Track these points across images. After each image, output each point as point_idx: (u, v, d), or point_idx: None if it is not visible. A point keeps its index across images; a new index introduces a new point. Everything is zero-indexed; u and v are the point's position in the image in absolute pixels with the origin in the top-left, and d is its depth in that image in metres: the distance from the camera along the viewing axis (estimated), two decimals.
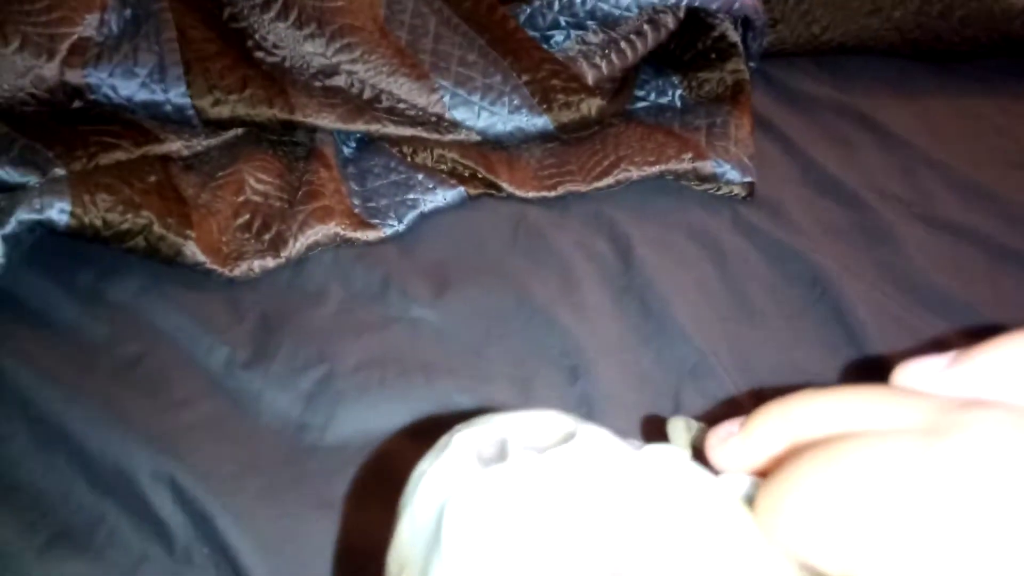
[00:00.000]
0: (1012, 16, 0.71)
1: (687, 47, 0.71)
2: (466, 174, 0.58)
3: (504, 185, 0.58)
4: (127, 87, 0.55)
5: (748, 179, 0.59)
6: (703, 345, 0.47)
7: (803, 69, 0.72)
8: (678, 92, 0.69)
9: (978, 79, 0.71)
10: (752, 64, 0.72)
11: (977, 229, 0.56)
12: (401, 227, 0.54)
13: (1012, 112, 0.68)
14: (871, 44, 0.71)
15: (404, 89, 0.61)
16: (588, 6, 0.67)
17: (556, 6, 0.66)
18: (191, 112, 0.56)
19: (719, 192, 0.59)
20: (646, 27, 0.68)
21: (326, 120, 0.59)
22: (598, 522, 0.15)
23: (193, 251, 0.48)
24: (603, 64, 0.66)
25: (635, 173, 0.60)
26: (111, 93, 0.55)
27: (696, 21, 0.68)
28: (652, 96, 0.70)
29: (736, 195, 0.59)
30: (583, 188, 0.59)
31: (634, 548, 0.15)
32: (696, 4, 0.65)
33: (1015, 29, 0.71)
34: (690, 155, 0.59)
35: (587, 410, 0.43)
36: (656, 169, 0.59)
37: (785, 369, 0.47)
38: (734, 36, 0.67)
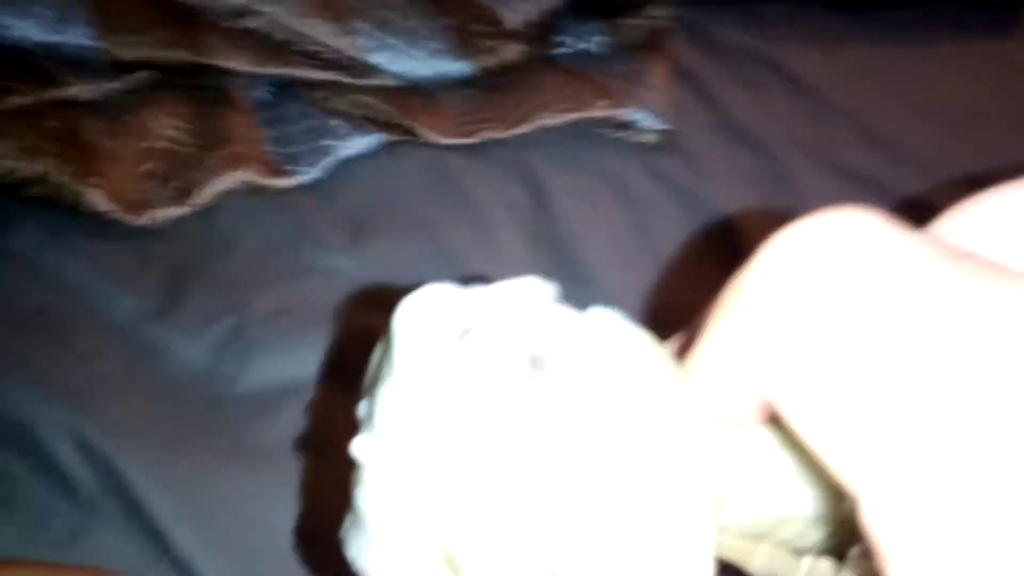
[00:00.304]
0: None
1: None
2: (383, 120, 0.58)
3: (422, 131, 0.58)
4: (23, 27, 0.53)
5: (663, 127, 0.60)
6: (610, 288, 0.48)
7: (723, 18, 0.72)
8: (599, 38, 0.69)
9: (894, 29, 0.72)
10: (672, 12, 0.73)
11: (880, 177, 0.58)
12: (316, 174, 0.54)
13: (925, 62, 0.69)
14: None
15: (320, 31, 0.59)
16: None
17: None
18: (95, 54, 0.54)
19: (634, 139, 0.60)
20: None
21: (238, 63, 0.58)
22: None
23: (95, 199, 0.46)
24: (525, 8, 0.66)
25: (553, 120, 0.60)
26: (5, 33, 0.52)
27: None
28: (573, 42, 0.69)
29: (651, 143, 0.60)
30: (502, 135, 0.59)
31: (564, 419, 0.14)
32: None
33: None
34: (607, 102, 0.60)
35: None
36: (574, 116, 0.59)
37: (692, 310, 0.48)
38: None
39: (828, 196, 0.56)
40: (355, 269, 0.48)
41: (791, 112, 0.63)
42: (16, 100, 0.50)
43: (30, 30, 0.52)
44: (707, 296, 0.49)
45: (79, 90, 0.53)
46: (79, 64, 0.54)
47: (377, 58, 0.60)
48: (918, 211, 0.51)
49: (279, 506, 0.35)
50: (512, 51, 0.63)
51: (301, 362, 0.43)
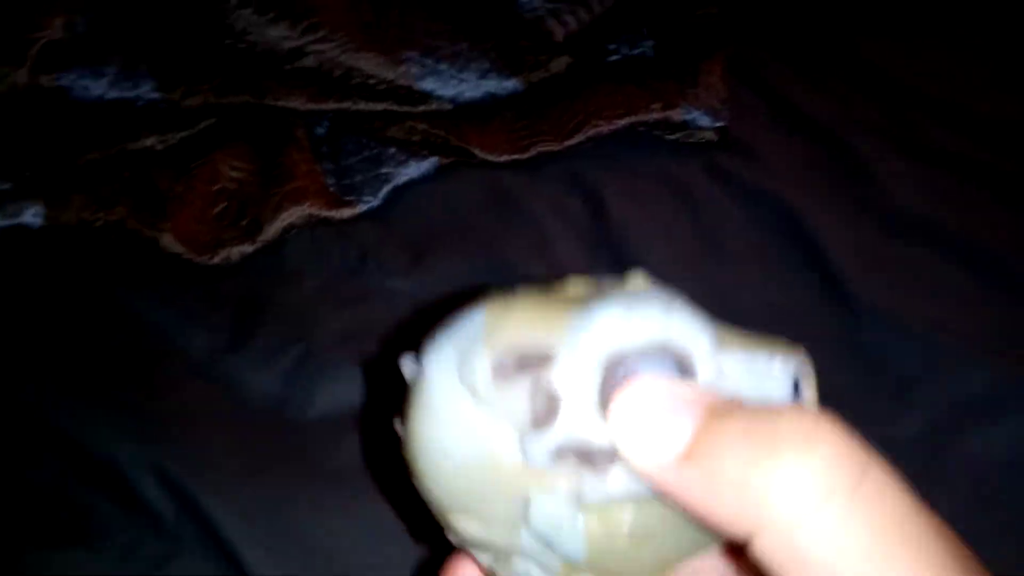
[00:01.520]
0: None
1: None
2: (438, 144, 0.58)
3: (476, 152, 0.58)
4: (98, 87, 0.56)
5: (719, 124, 0.58)
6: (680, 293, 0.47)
7: (780, 8, 0.71)
8: (649, 42, 0.68)
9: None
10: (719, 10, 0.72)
11: (958, 153, 0.55)
12: (376, 202, 0.55)
13: (991, 34, 0.66)
14: None
15: (371, 64, 0.61)
16: None
17: None
18: (163, 106, 0.56)
19: (692, 140, 0.59)
20: None
21: (297, 102, 0.60)
22: None
23: (169, 243, 0.49)
24: (571, 19, 0.66)
25: (606, 127, 0.59)
26: (83, 94, 0.56)
27: None
28: (623, 48, 0.69)
29: (709, 141, 0.59)
30: (555, 147, 0.59)
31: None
32: None
33: None
34: (659, 104, 0.59)
35: None
36: (626, 121, 0.59)
37: (761, 313, 0.47)
38: None
39: (906, 180, 0.53)
40: (417, 291, 0.48)
41: (856, 95, 0.61)
42: (93, 155, 0.53)
43: (102, 88, 0.56)
44: (778, 295, 0.47)
45: (151, 141, 0.56)
46: (149, 116, 0.57)
47: (428, 85, 0.61)
48: (1003, 184, 0.48)
49: (350, 528, 0.36)
50: (561, 63, 0.63)
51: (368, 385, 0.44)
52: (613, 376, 0.15)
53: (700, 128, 0.59)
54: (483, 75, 0.62)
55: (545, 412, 0.15)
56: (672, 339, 0.15)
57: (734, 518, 0.14)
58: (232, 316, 0.46)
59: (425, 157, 0.57)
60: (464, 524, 0.16)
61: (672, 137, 0.59)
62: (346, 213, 0.54)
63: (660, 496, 0.15)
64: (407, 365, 0.17)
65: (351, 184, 0.56)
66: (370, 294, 0.49)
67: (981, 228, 0.51)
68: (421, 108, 0.61)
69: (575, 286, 0.17)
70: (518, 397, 0.15)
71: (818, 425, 0.14)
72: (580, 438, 0.15)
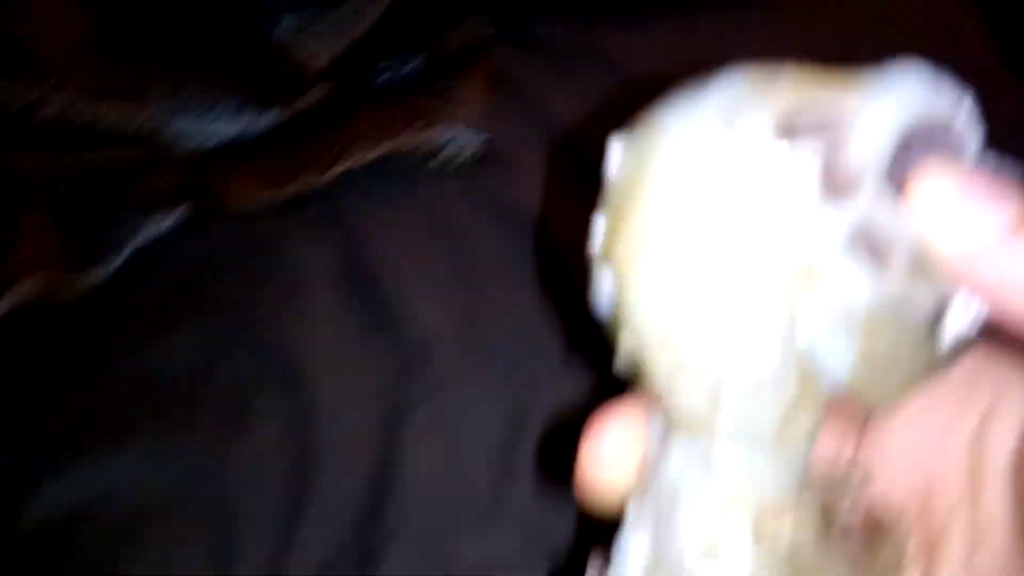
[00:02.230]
0: None
1: (425, 9, 0.68)
2: (189, 192, 0.56)
3: (230, 197, 0.56)
4: None
5: (478, 141, 0.58)
6: (431, 326, 0.47)
7: (554, 16, 0.70)
8: (418, 60, 0.67)
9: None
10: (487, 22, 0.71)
11: None
12: (117, 263, 0.52)
13: (741, 36, 0.67)
14: None
15: (115, 109, 0.57)
16: None
17: None
18: None
19: (452, 160, 0.58)
20: None
21: (33, 162, 0.56)
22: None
23: None
24: (333, 41, 0.64)
25: (367, 154, 0.58)
26: None
27: None
28: (395, 66, 0.67)
29: (473, 158, 0.58)
30: (316, 181, 0.57)
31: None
32: None
33: None
34: (416, 126, 0.58)
35: (306, 424, 0.43)
36: (385, 147, 0.57)
37: (514, 334, 0.47)
38: None
39: None
40: (158, 362, 0.46)
41: (613, 101, 0.61)
42: None
43: None
44: (531, 314, 0.46)
45: None
46: None
47: (179, 126, 0.58)
48: None
49: None
50: (322, 91, 0.61)
51: (105, 474, 0.41)
52: (907, 153, 0.13)
53: (460, 147, 0.58)
54: (238, 110, 0.59)
55: (845, 181, 0.13)
56: (960, 126, 0.14)
57: None
58: None
59: (172, 210, 0.54)
60: (692, 335, 0.14)
61: (434, 159, 0.58)
62: (82, 282, 0.50)
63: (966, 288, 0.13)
64: (618, 145, 0.15)
65: (88, 248, 0.52)
66: (113, 370, 0.46)
67: None
68: (172, 153, 0.58)
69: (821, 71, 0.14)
70: (810, 160, 0.13)
71: None
72: (874, 219, 0.13)
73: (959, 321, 0.14)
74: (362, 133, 0.59)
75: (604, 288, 0.15)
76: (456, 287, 0.50)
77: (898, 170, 0.13)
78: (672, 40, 0.65)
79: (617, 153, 0.15)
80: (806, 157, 0.13)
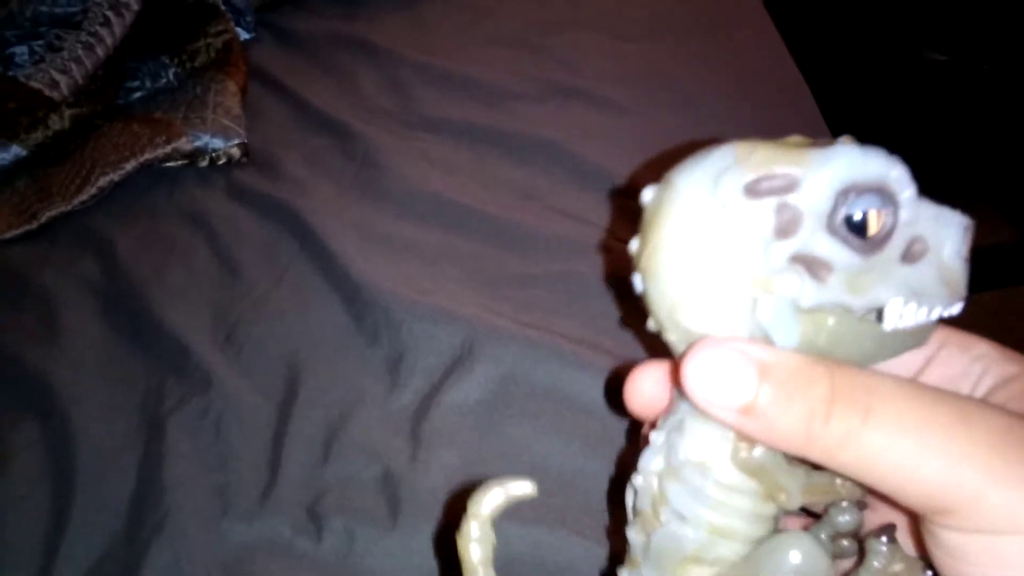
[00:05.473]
0: None
1: (171, 21, 0.67)
2: None
3: None
4: None
5: (235, 142, 0.57)
6: (189, 327, 0.46)
7: (312, 9, 0.71)
8: (171, 71, 0.66)
9: None
10: (248, 19, 0.71)
11: (457, 119, 0.58)
12: None
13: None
14: None
15: None
16: (29, 14, 0.62)
17: None
18: None
19: (215, 163, 0.57)
20: (109, 14, 0.64)
21: None
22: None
23: None
24: (74, 67, 0.62)
25: (114, 175, 0.56)
26: None
27: None
28: (148, 83, 0.66)
29: (230, 161, 0.58)
30: (66, 208, 0.55)
31: None
32: None
33: None
34: (164, 138, 0.57)
35: (65, 446, 0.41)
36: (133, 164, 0.56)
37: (274, 325, 0.47)
38: None
39: (403, 154, 0.55)
40: None
41: (373, 84, 0.62)
42: None
43: None
44: (290, 303, 0.46)
45: None
46: None
47: None
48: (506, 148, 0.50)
49: None
50: (64, 116, 0.59)
51: None
52: (843, 203, 0.18)
53: (215, 150, 0.57)
54: None
55: (788, 225, 0.18)
56: (890, 182, 0.19)
57: None
58: None
59: None
60: (690, 317, 0.20)
61: (193, 165, 0.58)
62: None
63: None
64: (649, 192, 0.20)
65: None
66: None
67: (485, 188, 0.54)
68: None
69: (795, 141, 0.20)
70: (765, 211, 0.19)
71: None
72: (812, 250, 0.19)
73: (895, 320, 0.19)
74: (105, 156, 0.57)
75: (636, 282, 0.21)
76: (215, 287, 0.49)
77: (840, 212, 0.19)
78: (441, 24, 0.67)
79: (647, 198, 0.21)
80: (763, 210, 0.19)
